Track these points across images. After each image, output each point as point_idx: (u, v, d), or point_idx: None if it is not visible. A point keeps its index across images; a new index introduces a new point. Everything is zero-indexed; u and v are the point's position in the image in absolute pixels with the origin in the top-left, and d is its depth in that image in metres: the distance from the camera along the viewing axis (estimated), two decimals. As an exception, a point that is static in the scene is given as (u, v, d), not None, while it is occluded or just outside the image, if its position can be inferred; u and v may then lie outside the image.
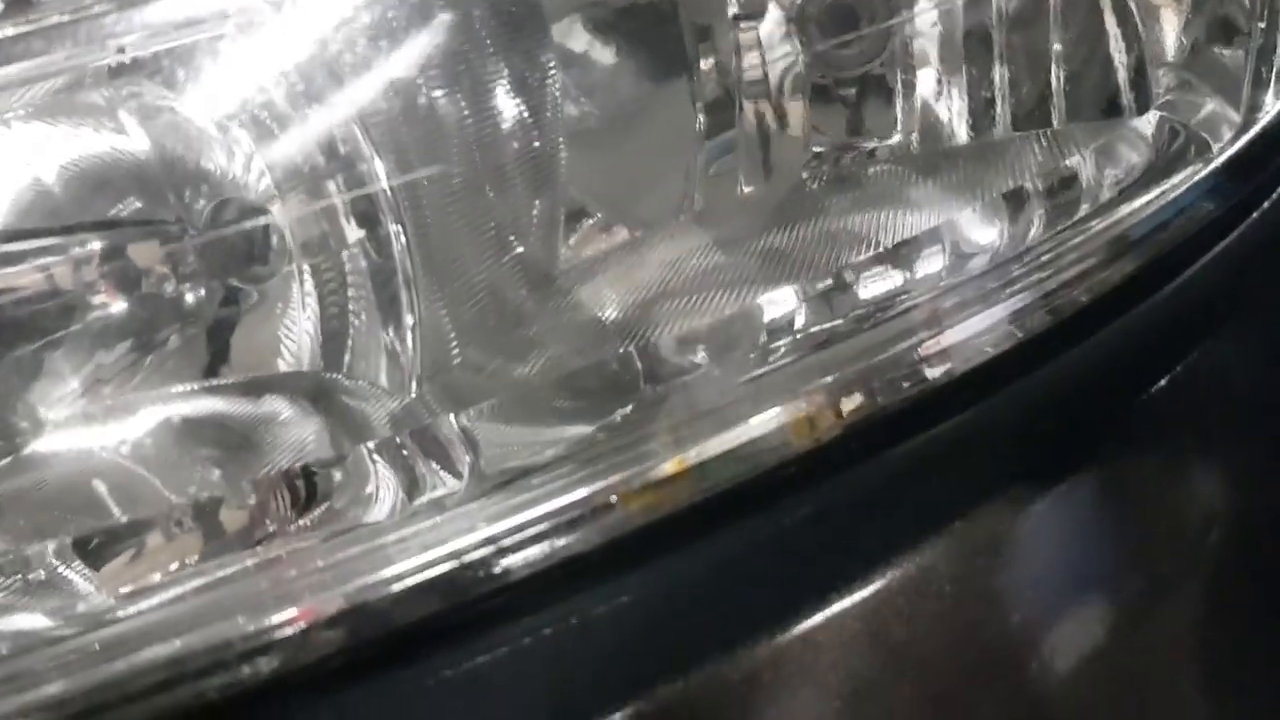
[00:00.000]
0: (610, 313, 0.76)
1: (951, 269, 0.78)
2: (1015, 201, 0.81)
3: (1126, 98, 0.84)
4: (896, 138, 0.83)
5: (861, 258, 0.79)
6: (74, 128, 0.68)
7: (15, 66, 0.64)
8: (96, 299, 0.67)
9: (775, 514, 0.69)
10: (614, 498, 0.66)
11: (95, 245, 0.67)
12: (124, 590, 0.65)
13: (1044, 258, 0.78)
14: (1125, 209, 0.80)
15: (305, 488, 0.69)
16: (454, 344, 0.73)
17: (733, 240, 0.79)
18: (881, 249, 0.79)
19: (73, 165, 0.68)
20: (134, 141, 0.69)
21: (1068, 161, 0.81)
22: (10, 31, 0.61)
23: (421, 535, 0.65)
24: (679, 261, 0.78)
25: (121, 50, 0.65)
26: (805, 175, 0.81)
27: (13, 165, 0.67)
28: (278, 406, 0.71)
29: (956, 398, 0.73)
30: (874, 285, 0.78)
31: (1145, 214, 0.80)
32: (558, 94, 0.74)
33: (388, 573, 0.64)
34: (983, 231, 0.80)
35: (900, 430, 0.72)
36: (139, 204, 0.69)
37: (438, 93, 0.72)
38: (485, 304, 0.74)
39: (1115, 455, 0.75)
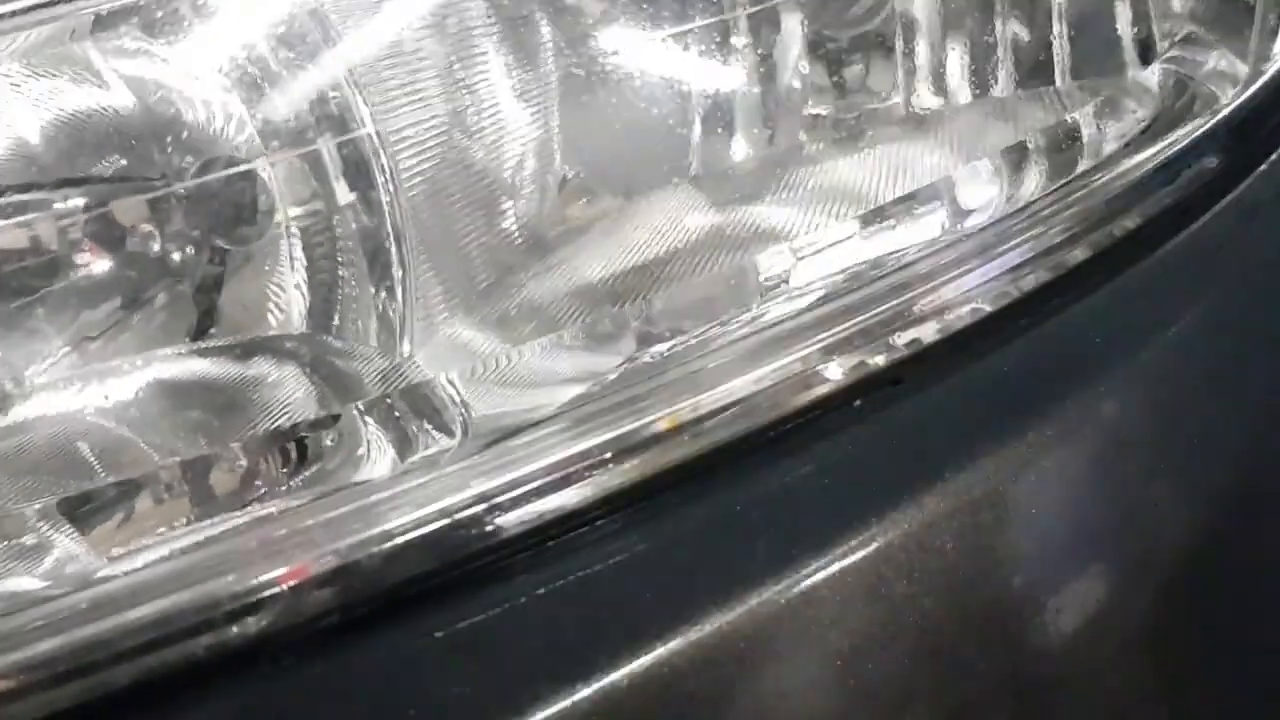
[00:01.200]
0: (602, 274, 0.75)
1: (950, 225, 0.77)
2: (1015, 157, 0.80)
3: (1131, 52, 0.83)
4: (897, 98, 0.82)
5: (859, 213, 0.77)
6: (54, 81, 0.67)
7: None
8: (80, 257, 0.66)
9: (772, 471, 0.68)
10: (608, 454, 0.65)
11: (78, 201, 0.66)
12: (114, 553, 0.64)
13: (1044, 212, 0.76)
14: (1128, 163, 0.79)
15: (296, 450, 0.68)
16: (442, 305, 0.72)
17: (730, 203, 0.78)
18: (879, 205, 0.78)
19: (54, 120, 0.67)
20: (116, 96, 0.68)
21: (1069, 116, 0.80)
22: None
23: (413, 493, 0.64)
24: (674, 224, 0.77)
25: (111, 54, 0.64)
26: (804, 137, 0.80)
27: (-5, 121, 0.66)
28: (266, 368, 0.70)
29: (954, 354, 0.72)
30: (872, 241, 0.77)
31: (1148, 168, 0.79)
32: (550, 53, 0.73)
33: (379, 530, 0.63)
34: (983, 188, 0.79)
35: (897, 386, 0.70)
36: (123, 161, 0.68)
37: (428, 49, 0.71)
38: (476, 264, 0.72)
39: (1116, 411, 0.73)
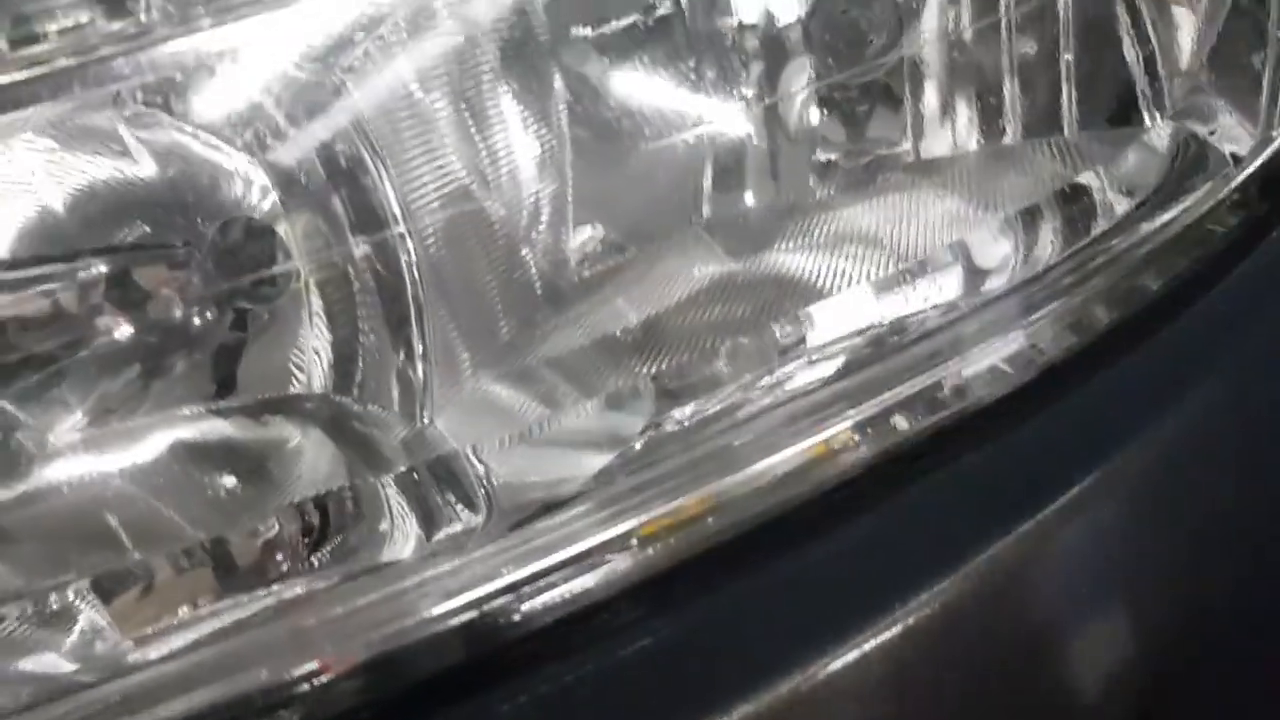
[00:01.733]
0: (620, 326, 0.75)
1: (968, 286, 0.77)
2: (1029, 216, 0.80)
3: (1140, 107, 0.84)
4: (905, 145, 0.82)
5: (874, 275, 0.78)
6: (79, 153, 0.67)
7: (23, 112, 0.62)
8: (103, 323, 0.66)
9: (797, 552, 0.68)
10: (635, 541, 0.66)
11: (101, 269, 0.66)
12: (141, 633, 0.64)
13: (1066, 280, 0.77)
14: (1147, 227, 0.80)
15: (319, 519, 0.68)
16: (466, 363, 0.72)
17: (743, 251, 0.79)
18: (894, 264, 0.78)
19: (79, 190, 0.67)
20: (139, 164, 0.67)
21: (1080, 176, 0.81)
22: (18, 76, 0.59)
23: (442, 580, 0.65)
24: (688, 274, 0.77)
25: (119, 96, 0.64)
26: (813, 183, 0.80)
27: (19, 191, 0.66)
28: (288, 431, 0.70)
29: (978, 428, 0.73)
30: (888, 300, 0.77)
31: (1170, 234, 0.79)
32: (563, 107, 0.73)
33: (409, 621, 0.63)
34: (998, 246, 0.79)
35: (921, 462, 0.71)
36: (146, 227, 0.68)
37: (442, 106, 0.70)
38: (496, 317, 0.73)
39: (1141, 482, 0.74)
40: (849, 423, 0.71)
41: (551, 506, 0.67)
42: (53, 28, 0.59)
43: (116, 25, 0.59)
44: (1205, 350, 0.78)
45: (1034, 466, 0.73)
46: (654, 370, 0.73)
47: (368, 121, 0.69)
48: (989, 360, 0.74)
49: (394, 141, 0.70)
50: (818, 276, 0.78)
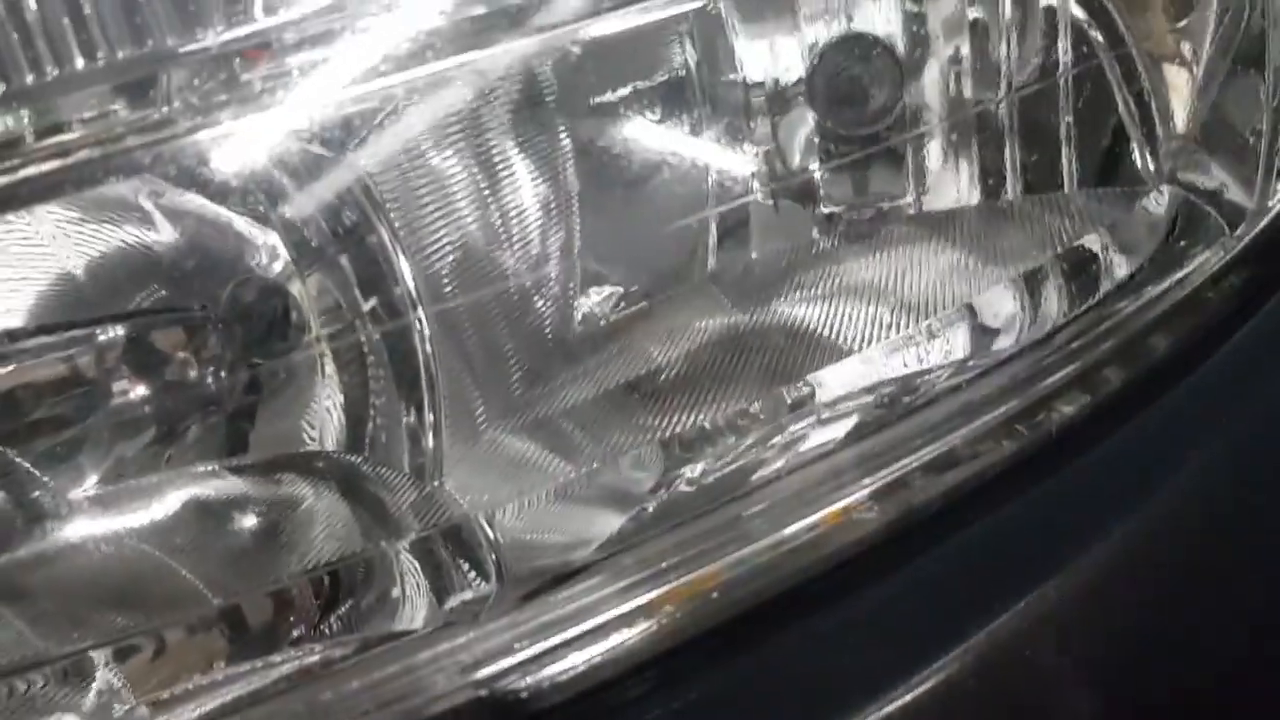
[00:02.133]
0: (628, 379, 0.76)
1: (976, 347, 0.78)
2: (1033, 279, 0.81)
3: (1137, 169, 0.85)
4: (907, 198, 0.83)
5: (880, 326, 0.79)
6: (101, 221, 0.67)
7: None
8: (120, 386, 0.67)
9: (806, 625, 0.70)
10: (649, 615, 0.67)
11: (119, 333, 0.67)
12: (155, 696, 0.65)
13: (1074, 345, 0.78)
14: (1151, 290, 0.81)
15: (329, 583, 0.69)
16: (477, 418, 0.73)
17: (748, 303, 0.80)
18: (900, 315, 0.79)
19: (99, 256, 0.68)
20: (159, 233, 0.68)
21: (1081, 240, 0.82)
22: (45, 167, 0.60)
23: (456, 653, 0.66)
24: (694, 326, 0.78)
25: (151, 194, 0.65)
26: (816, 235, 0.81)
27: (39, 256, 0.67)
28: (301, 490, 0.71)
29: (989, 495, 0.74)
30: (896, 358, 0.78)
31: (1177, 297, 0.81)
32: (570, 162, 0.74)
33: (424, 697, 0.64)
34: (1003, 305, 0.80)
35: (932, 530, 0.72)
36: (162, 291, 0.69)
37: (452, 165, 0.71)
38: (506, 373, 0.74)
39: (1150, 549, 0.75)
40: (863, 492, 0.72)
41: (562, 578, 0.68)
42: (76, 116, 0.59)
43: (139, 114, 0.60)
44: (1208, 415, 0.79)
45: (1042, 535, 0.74)
46: (663, 424, 0.74)
47: (377, 182, 0.69)
48: (1000, 423, 0.75)
49: (404, 201, 0.71)
50: (824, 327, 0.79)
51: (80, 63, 0.59)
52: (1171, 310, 0.80)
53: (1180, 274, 0.81)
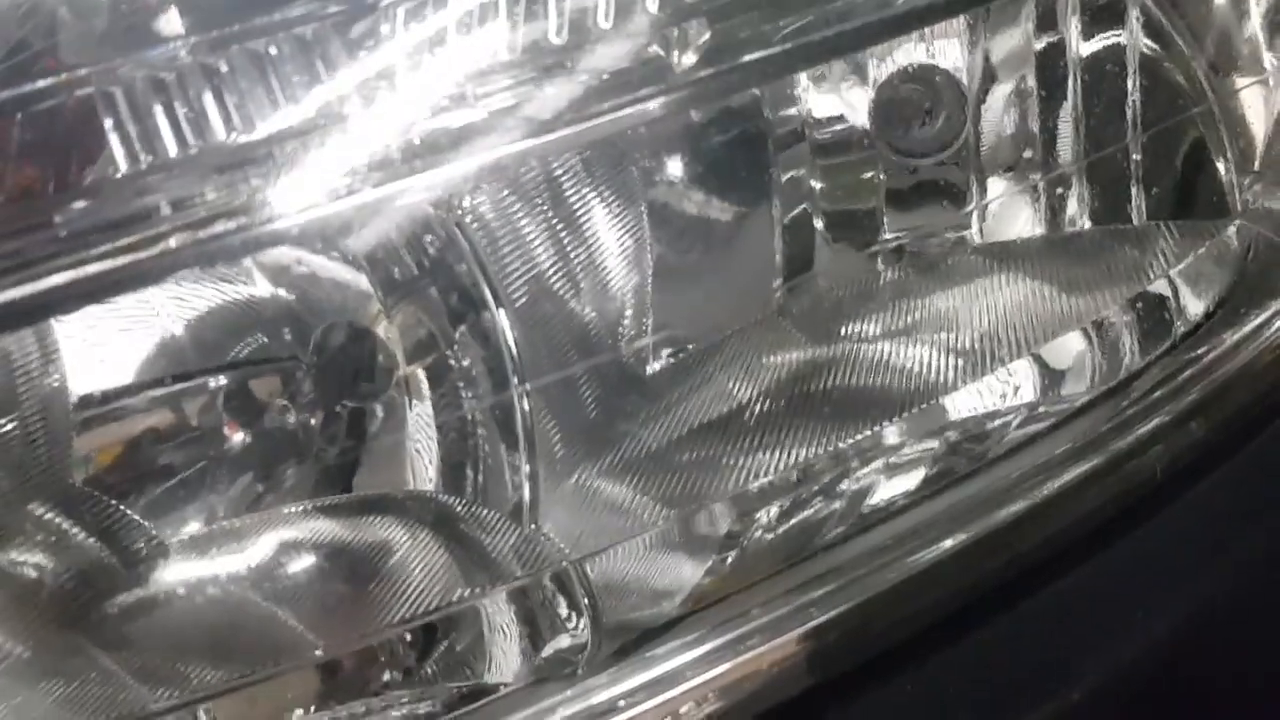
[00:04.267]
0: (700, 418, 0.77)
1: (1042, 390, 0.79)
2: (1103, 326, 0.82)
3: (1210, 203, 0.85)
4: (972, 228, 0.84)
5: (945, 355, 0.79)
6: (204, 281, 0.69)
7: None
8: (223, 434, 0.68)
9: (882, 692, 0.70)
10: (743, 679, 0.67)
11: (221, 383, 0.68)
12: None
13: (1155, 394, 0.78)
14: (1230, 336, 0.80)
15: (423, 627, 0.70)
16: (565, 458, 0.74)
17: (816, 337, 0.80)
18: (966, 343, 0.79)
19: (202, 313, 0.69)
20: (257, 287, 0.69)
21: (1151, 273, 0.82)
22: (140, 255, 0.60)
23: (555, 710, 0.66)
24: (763, 363, 0.79)
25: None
26: (882, 266, 0.82)
27: (146, 316, 0.68)
28: (398, 533, 0.72)
29: (1071, 560, 0.73)
30: (965, 401, 0.79)
31: (1260, 343, 0.80)
32: (644, 206, 0.74)
33: None
34: (1070, 343, 0.81)
35: (1006, 597, 0.72)
36: (263, 339, 0.70)
37: (533, 204, 0.72)
38: (587, 413, 0.74)
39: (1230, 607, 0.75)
40: (938, 553, 0.72)
41: (652, 633, 0.68)
42: (165, 200, 0.58)
43: (228, 198, 0.60)
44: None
45: (1120, 599, 0.74)
46: (748, 465, 0.75)
47: (463, 221, 0.70)
48: (1078, 481, 0.75)
49: (489, 239, 0.71)
50: (891, 359, 0.79)
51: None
52: (1257, 357, 0.79)
53: (1261, 318, 0.80)
